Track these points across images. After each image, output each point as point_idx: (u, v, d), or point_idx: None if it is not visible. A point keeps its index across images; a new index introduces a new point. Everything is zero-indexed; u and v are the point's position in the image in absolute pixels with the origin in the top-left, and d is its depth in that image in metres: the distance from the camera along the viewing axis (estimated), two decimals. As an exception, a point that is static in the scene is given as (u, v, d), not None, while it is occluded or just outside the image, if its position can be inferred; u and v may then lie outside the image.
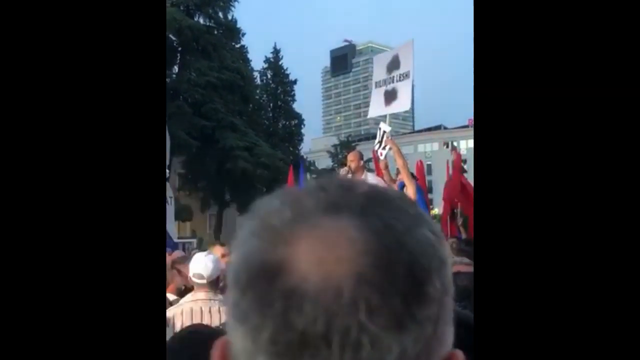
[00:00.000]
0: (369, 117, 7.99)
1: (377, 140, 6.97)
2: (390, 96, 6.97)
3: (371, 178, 6.67)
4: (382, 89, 7.13)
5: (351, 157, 6.69)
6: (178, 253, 6.80)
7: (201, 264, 3.24)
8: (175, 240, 10.87)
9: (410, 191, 6.17)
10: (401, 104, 6.93)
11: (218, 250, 4.29)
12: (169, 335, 2.65)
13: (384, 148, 6.74)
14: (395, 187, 6.57)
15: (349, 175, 6.55)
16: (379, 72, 7.33)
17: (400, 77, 6.86)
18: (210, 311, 3.10)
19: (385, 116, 7.24)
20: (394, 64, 6.96)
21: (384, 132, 6.83)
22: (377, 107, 7.31)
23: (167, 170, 14.69)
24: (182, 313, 3.09)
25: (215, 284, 3.19)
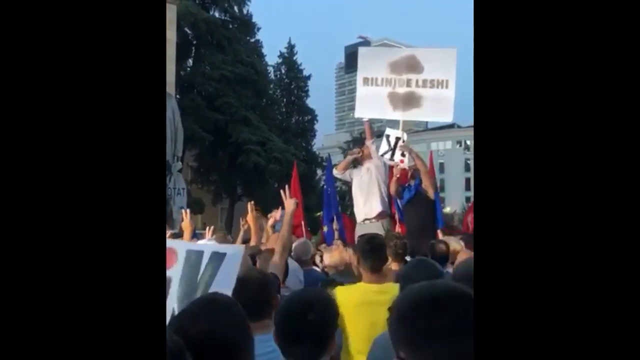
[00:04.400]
0: (356, 116, 6.80)
1: (385, 149, 6.35)
2: (407, 101, 6.27)
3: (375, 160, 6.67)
4: (385, 89, 6.36)
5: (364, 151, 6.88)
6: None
7: None
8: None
9: (430, 193, 6.20)
10: (435, 113, 6.37)
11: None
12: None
13: (403, 155, 6.24)
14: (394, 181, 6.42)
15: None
16: (375, 68, 6.46)
17: (425, 83, 6.19)
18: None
19: (391, 120, 6.50)
20: (410, 66, 6.28)
21: (397, 138, 6.28)
22: (375, 108, 6.50)
23: (180, 163, 14.73)
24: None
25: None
